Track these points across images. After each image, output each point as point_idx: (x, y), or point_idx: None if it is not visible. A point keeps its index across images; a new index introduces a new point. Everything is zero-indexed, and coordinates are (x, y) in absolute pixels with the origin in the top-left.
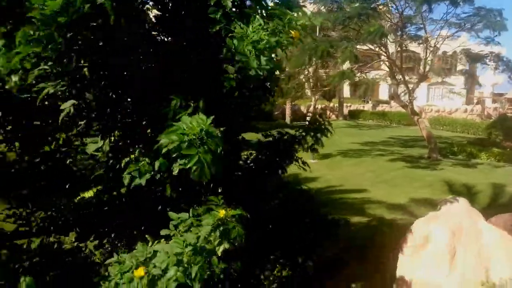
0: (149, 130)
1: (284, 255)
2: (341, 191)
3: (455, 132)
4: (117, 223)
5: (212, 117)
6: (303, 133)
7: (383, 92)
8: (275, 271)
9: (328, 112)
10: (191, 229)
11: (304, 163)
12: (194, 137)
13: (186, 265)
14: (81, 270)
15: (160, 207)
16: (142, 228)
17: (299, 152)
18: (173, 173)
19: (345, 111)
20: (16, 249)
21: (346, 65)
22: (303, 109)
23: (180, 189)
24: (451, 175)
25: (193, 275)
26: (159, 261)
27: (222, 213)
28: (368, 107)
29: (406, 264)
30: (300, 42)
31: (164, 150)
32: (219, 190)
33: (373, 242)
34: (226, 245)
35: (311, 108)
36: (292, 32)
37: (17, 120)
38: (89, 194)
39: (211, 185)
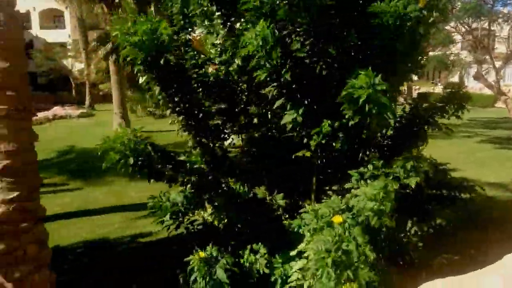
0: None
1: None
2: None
3: None
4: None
5: (380, 75)
6: (443, 102)
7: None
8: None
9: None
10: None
11: (448, 128)
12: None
13: (380, 201)
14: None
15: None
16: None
17: None
18: (353, 122)
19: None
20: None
21: None
22: None
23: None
24: None
25: (387, 208)
26: (360, 200)
27: (414, 151)
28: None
29: None
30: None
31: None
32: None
33: (482, 213)
34: (413, 182)
35: None
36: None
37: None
38: None
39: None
